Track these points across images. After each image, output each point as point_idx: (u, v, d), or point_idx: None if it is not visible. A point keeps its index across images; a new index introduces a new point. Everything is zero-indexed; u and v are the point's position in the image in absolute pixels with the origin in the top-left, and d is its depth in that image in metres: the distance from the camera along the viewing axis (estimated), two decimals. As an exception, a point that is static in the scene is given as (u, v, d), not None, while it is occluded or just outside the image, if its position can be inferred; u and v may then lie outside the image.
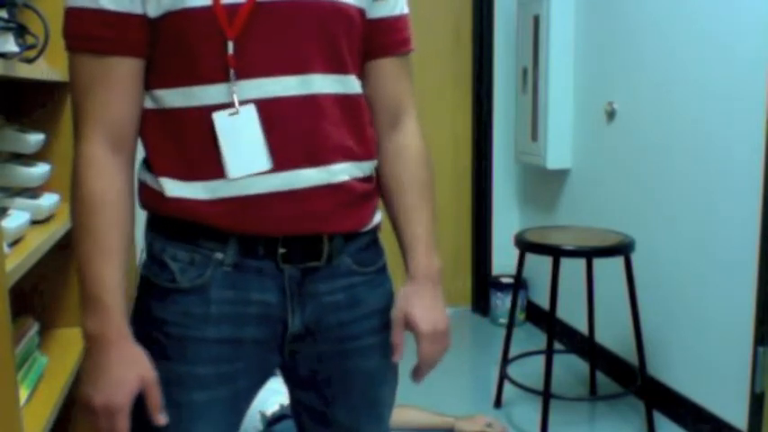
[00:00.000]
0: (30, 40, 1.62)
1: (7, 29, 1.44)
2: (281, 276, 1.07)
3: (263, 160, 1.02)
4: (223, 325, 1.06)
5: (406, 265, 1.19)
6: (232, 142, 1.01)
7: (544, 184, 3.71)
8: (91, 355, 1.01)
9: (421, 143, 1.20)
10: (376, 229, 1.18)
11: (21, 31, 1.54)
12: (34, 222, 1.61)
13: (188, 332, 1.05)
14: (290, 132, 1.03)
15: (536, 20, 3.43)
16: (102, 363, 1.00)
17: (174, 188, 1.03)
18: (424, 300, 1.17)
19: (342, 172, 1.07)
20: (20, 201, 1.58)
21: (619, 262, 2.67)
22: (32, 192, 1.70)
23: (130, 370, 1.00)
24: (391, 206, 1.20)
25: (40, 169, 1.66)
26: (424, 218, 1.18)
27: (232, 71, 1.00)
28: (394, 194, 1.19)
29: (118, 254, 1.01)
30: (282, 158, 1.03)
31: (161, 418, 1.02)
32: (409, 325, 1.17)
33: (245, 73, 1.01)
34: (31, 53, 1.65)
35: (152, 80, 1.03)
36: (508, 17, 3.81)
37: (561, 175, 3.53)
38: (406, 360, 1.22)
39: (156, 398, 1.02)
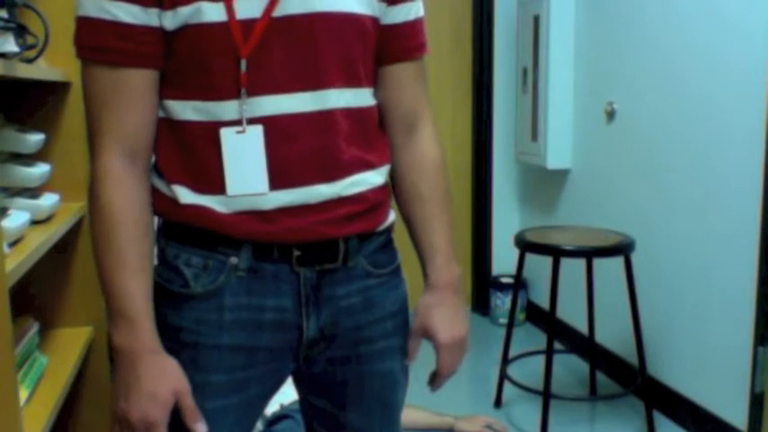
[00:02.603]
0: (30, 40, 1.62)
1: (7, 29, 1.44)
2: (296, 280, 1.06)
3: (261, 182, 1.01)
4: (237, 332, 1.05)
5: (425, 274, 1.19)
6: (235, 160, 1.01)
7: (544, 184, 3.71)
8: (121, 370, 1.01)
9: (438, 150, 1.19)
10: (390, 229, 1.17)
11: (21, 31, 1.54)
12: (34, 222, 1.61)
13: (202, 339, 1.04)
14: (303, 149, 1.02)
15: (536, 20, 3.43)
16: (134, 377, 0.99)
17: (187, 196, 1.03)
18: (445, 310, 1.18)
19: (355, 184, 1.07)
20: (20, 201, 1.58)
21: (619, 262, 2.67)
22: (32, 192, 1.70)
23: (163, 383, 1.00)
24: (408, 214, 1.20)
25: (40, 169, 1.66)
26: (443, 227, 1.18)
27: (243, 89, 0.99)
28: (412, 203, 1.19)
29: (142, 267, 1.01)
30: (295, 175, 1.02)
31: (199, 428, 1.02)
32: (428, 335, 1.17)
33: (259, 89, 1.00)
34: (31, 53, 1.65)
35: (164, 91, 1.02)
36: (508, 17, 3.81)
37: (561, 175, 3.53)
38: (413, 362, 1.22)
39: (190, 408, 1.01)
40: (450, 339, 1.17)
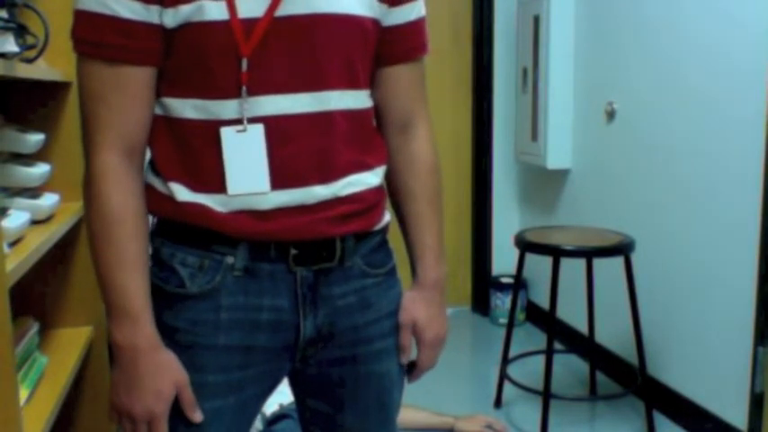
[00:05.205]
0: (30, 40, 1.62)
1: (7, 29, 1.44)
2: (293, 280, 1.06)
3: (262, 181, 1.01)
4: (234, 332, 1.05)
5: (414, 272, 1.20)
6: (236, 159, 1.01)
7: (544, 184, 3.71)
8: (123, 366, 1.01)
9: (431, 151, 1.20)
10: (385, 230, 1.18)
11: (21, 31, 1.54)
12: (34, 222, 1.61)
13: (198, 339, 1.04)
14: (302, 150, 1.02)
15: (536, 20, 3.43)
16: (136, 373, 1.00)
17: (184, 194, 1.03)
18: (431, 308, 1.19)
19: (352, 185, 1.07)
20: (20, 201, 1.58)
21: (619, 262, 2.67)
22: (32, 192, 1.70)
23: (165, 377, 1.01)
24: (400, 212, 1.21)
25: (40, 169, 1.66)
26: (434, 226, 1.19)
27: (244, 88, 0.99)
28: (403, 202, 1.20)
29: (141, 263, 1.01)
30: (293, 175, 1.02)
31: (197, 416, 1.04)
32: (414, 331, 1.19)
33: (259, 89, 1.00)
34: (31, 53, 1.65)
35: (163, 88, 1.02)
36: (508, 17, 3.81)
37: (561, 175, 3.53)
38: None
39: (189, 398, 1.03)
40: (434, 337, 1.20)
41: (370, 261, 1.13)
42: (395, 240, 1.19)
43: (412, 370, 1.23)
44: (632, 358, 2.95)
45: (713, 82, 2.46)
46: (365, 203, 1.10)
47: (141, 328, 1.00)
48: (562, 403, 2.85)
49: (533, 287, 3.89)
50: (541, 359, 2.72)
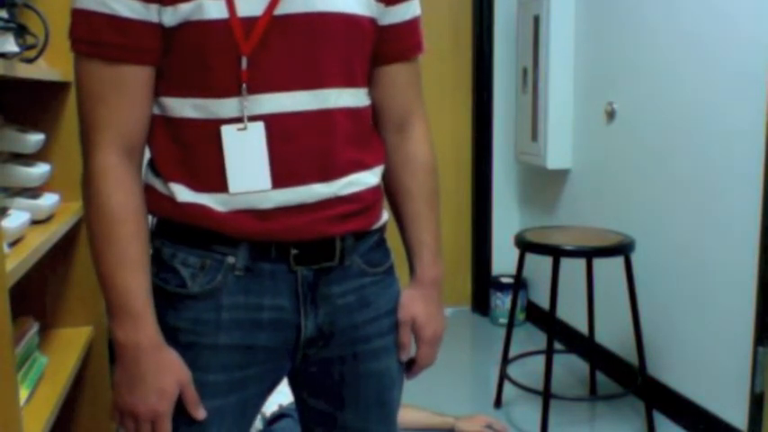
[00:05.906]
0: (30, 40, 1.63)
1: (7, 29, 1.44)
2: (293, 279, 1.06)
3: (264, 179, 1.02)
4: (235, 331, 1.05)
5: (412, 269, 1.21)
6: (237, 157, 1.01)
7: (544, 184, 3.71)
8: (125, 365, 1.02)
9: (428, 150, 1.20)
10: (383, 228, 1.18)
11: (21, 31, 1.54)
12: (34, 222, 1.61)
13: (199, 339, 1.05)
14: (302, 148, 1.03)
15: (536, 20, 3.43)
16: (139, 372, 1.00)
17: (185, 194, 1.03)
18: (430, 306, 1.20)
19: (351, 184, 1.08)
20: (20, 201, 1.58)
21: (619, 262, 2.67)
22: (32, 192, 1.70)
23: (168, 376, 1.01)
24: (398, 211, 1.22)
25: (40, 169, 1.66)
26: (431, 225, 1.20)
27: (244, 86, 0.99)
28: (401, 201, 1.20)
29: (142, 263, 1.01)
30: (293, 174, 1.03)
31: (200, 413, 1.04)
32: (412, 328, 1.20)
33: (259, 87, 1.00)
34: (31, 53, 1.65)
35: (162, 88, 1.02)
36: (508, 17, 3.81)
37: (561, 175, 3.53)
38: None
39: (192, 396, 1.04)
40: (433, 334, 1.21)
41: (369, 260, 1.14)
42: (393, 239, 1.19)
43: (410, 367, 1.24)
44: (632, 358, 2.95)
45: (713, 82, 2.46)
46: (363, 203, 1.10)
47: (143, 327, 1.00)
48: (562, 403, 2.85)
49: (533, 287, 3.89)
50: (541, 359, 2.72)
